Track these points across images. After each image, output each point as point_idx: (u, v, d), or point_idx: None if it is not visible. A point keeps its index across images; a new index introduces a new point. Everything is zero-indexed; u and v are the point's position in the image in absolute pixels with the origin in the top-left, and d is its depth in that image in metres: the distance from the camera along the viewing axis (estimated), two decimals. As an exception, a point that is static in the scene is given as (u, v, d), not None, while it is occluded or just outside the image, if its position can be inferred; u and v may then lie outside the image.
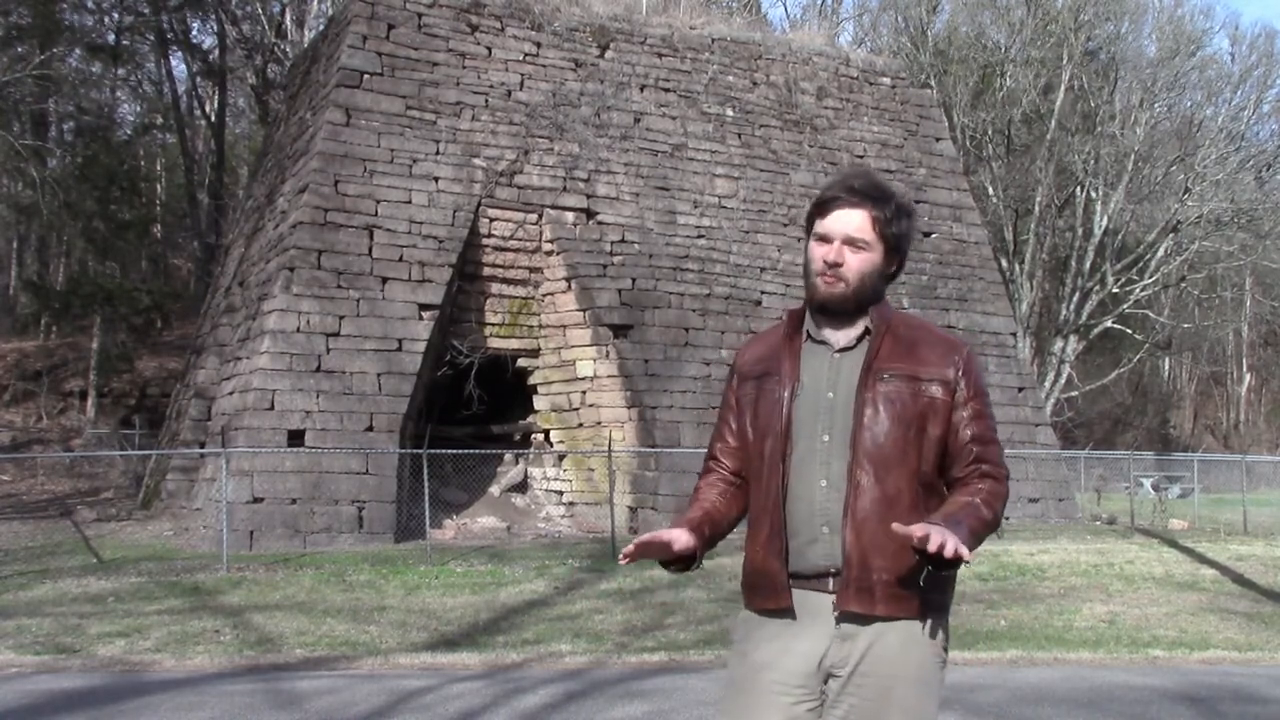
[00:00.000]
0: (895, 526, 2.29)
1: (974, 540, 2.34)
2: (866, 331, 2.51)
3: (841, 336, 2.52)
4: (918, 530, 2.23)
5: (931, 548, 2.20)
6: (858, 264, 2.48)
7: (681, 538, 2.48)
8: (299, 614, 9.52)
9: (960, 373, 2.48)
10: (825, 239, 2.50)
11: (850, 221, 2.49)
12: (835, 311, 2.51)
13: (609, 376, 15.96)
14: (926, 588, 2.39)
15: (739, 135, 18.35)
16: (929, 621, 2.45)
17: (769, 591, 2.48)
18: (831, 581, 2.42)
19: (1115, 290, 32.10)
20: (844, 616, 2.40)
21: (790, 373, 2.51)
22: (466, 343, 15.66)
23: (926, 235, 19.44)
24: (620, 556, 2.48)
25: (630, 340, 16.12)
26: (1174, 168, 31.57)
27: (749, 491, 2.58)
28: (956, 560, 2.22)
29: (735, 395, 2.64)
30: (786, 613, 2.46)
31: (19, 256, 32.53)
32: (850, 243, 2.48)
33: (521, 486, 17.01)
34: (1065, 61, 31.14)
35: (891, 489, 2.40)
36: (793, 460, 2.47)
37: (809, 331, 2.56)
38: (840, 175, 2.63)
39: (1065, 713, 6.33)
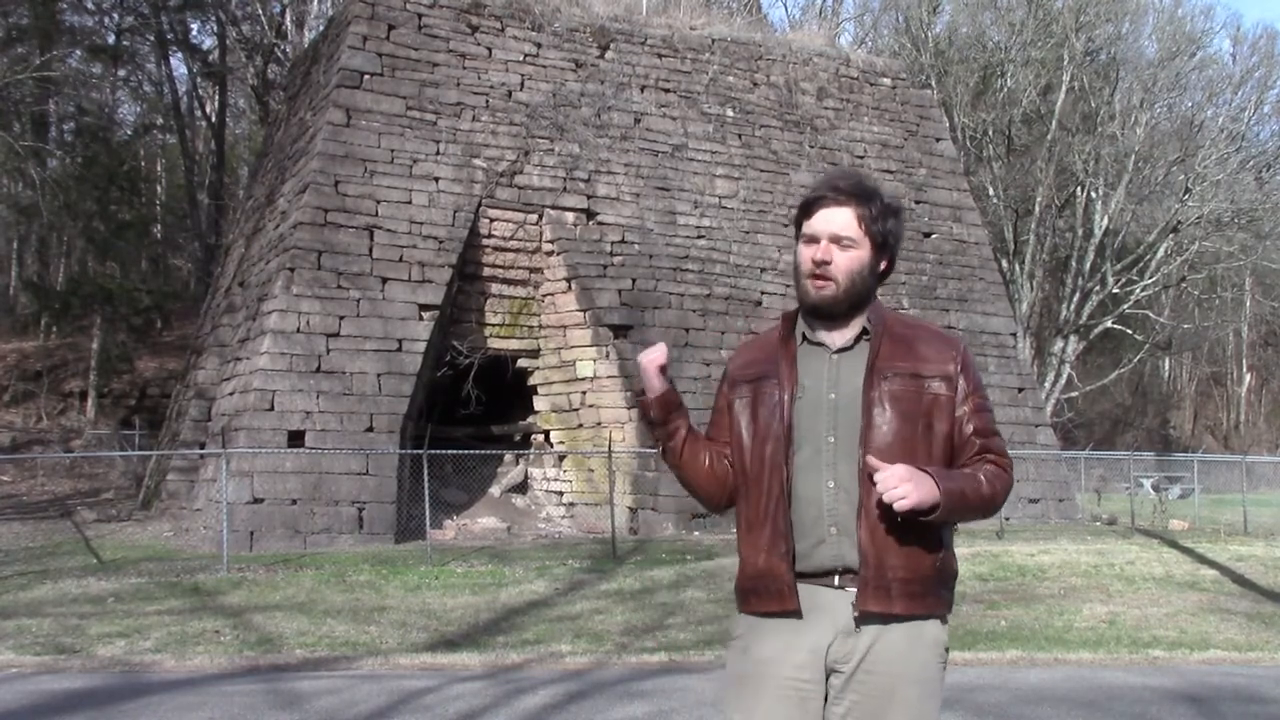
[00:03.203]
0: (869, 460, 2.36)
1: (961, 503, 2.38)
2: (864, 332, 2.51)
3: (837, 337, 2.52)
4: (877, 468, 2.33)
5: (879, 486, 2.30)
6: (846, 262, 2.48)
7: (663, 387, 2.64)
8: (299, 614, 9.51)
9: (959, 369, 2.50)
10: (813, 239, 2.51)
11: (836, 220, 2.49)
12: (828, 313, 2.51)
13: (609, 377, 15.96)
14: (936, 580, 2.43)
15: (739, 135, 18.34)
16: (933, 620, 2.46)
17: (774, 595, 2.47)
18: (837, 578, 2.43)
19: (1115, 290, 32.11)
20: (863, 617, 2.41)
21: (789, 376, 2.51)
22: (467, 343, 15.66)
23: (926, 235, 19.44)
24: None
25: (630, 340, 16.11)
26: (1174, 168, 31.59)
27: (738, 493, 2.57)
28: (923, 510, 2.31)
29: (728, 400, 2.63)
30: (792, 614, 2.45)
31: (19, 256, 32.50)
32: (837, 241, 2.48)
33: (522, 487, 17.01)
34: (1066, 62, 31.13)
35: None
36: (796, 463, 2.46)
37: (804, 334, 2.55)
38: (826, 176, 2.62)
39: (1066, 713, 6.33)
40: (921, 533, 2.39)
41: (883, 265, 2.55)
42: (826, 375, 2.50)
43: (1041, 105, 32.37)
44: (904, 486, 2.28)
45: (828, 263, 2.47)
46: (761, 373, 2.56)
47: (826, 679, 2.44)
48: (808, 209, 2.53)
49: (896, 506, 2.29)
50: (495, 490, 16.67)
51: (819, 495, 2.44)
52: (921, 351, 2.49)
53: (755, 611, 2.52)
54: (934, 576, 2.43)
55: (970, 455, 2.48)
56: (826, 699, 2.45)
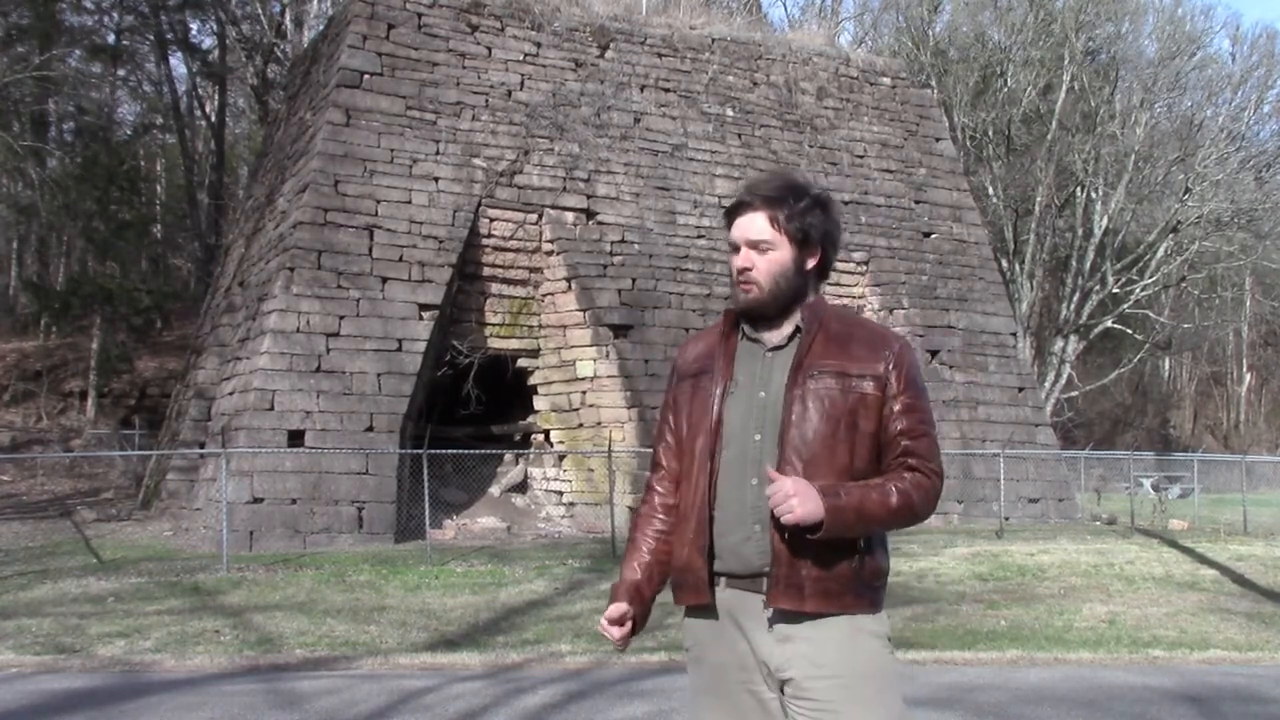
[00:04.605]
0: (767, 469, 2.36)
1: (856, 518, 2.34)
2: (798, 329, 2.52)
3: (774, 335, 2.54)
4: (772, 478, 2.32)
5: (771, 499, 2.30)
6: (766, 265, 2.50)
7: (623, 615, 2.54)
8: (299, 614, 9.52)
9: (891, 366, 2.47)
10: (735, 247, 2.55)
11: (751, 226, 2.52)
12: (760, 315, 2.54)
13: (609, 376, 15.96)
14: (854, 579, 2.40)
15: (739, 135, 18.35)
16: (866, 614, 2.44)
17: (691, 588, 2.49)
18: (765, 581, 2.41)
19: (1115, 290, 32.12)
20: (777, 615, 2.40)
21: (724, 371, 2.53)
22: (466, 343, 15.66)
23: (926, 235, 19.45)
24: (618, 643, 2.56)
25: (630, 340, 16.12)
26: (1174, 168, 31.59)
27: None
28: (808, 527, 2.30)
29: (674, 394, 2.67)
30: (709, 610, 2.48)
31: (19, 256, 32.51)
32: (755, 246, 2.51)
33: (521, 487, 17.00)
34: (1066, 61, 31.14)
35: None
36: (723, 459, 2.48)
37: (745, 330, 2.57)
38: (748, 182, 2.68)
39: (1066, 713, 6.33)
40: None
41: (811, 262, 2.54)
42: (759, 373, 2.51)
43: (1041, 105, 32.38)
44: (790, 501, 2.28)
45: (749, 269, 2.50)
46: (703, 367, 2.59)
47: (781, 686, 2.42)
48: (730, 217, 2.57)
49: (783, 520, 2.30)
50: (495, 490, 16.67)
51: (743, 492, 2.45)
52: (853, 350, 2.48)
53: (680, 604, 2.56)
54: (851, 576, 2.40)
55: (894, 456, 2.45)
56: (784, 702, 2.43)
